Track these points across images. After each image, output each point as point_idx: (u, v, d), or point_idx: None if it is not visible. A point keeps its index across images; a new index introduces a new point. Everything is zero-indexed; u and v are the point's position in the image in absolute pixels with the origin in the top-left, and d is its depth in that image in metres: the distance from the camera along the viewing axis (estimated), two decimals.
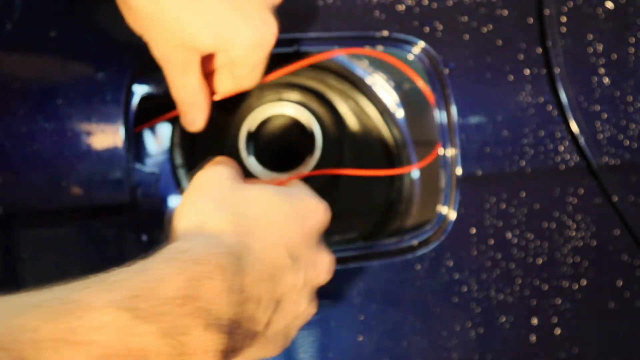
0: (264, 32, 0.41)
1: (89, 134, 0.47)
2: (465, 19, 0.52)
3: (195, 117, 0.46)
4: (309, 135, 0.57)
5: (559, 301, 0.51)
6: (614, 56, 0.52)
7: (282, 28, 0.47)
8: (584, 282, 0.51)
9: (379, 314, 0.49)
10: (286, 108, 0.58)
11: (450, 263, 0.50)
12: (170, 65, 0.43)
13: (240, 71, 0.43)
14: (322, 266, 0.38)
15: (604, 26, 0.52)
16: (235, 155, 0.57)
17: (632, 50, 0.52)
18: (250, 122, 0.57)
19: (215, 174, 0.37)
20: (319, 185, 0.60)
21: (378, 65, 0.57)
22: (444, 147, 0.52)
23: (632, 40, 0.52)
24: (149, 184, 0.51)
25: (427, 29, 0.51)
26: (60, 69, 0.48)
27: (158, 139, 0.56)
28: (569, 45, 0.52)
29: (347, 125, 0.60)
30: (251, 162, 0.56)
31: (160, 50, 0.42)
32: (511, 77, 0.51)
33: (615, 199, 0.51)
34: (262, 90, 0.59)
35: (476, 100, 0.51)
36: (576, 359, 0.51)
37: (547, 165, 0.51)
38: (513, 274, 0.51)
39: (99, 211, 0.47)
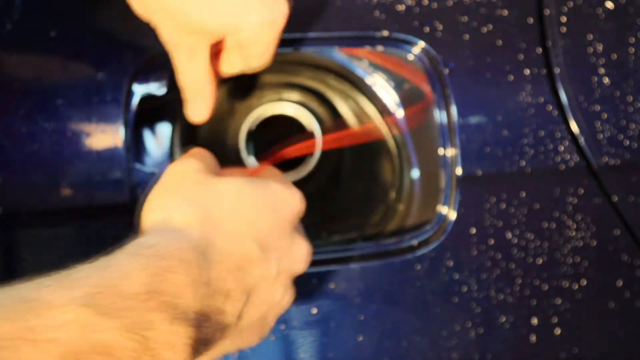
0: (274, 12, 0.40)
1: (89, 134, 0.47)
2: (465, 19, 0.52)
3: (200, 107, 0.45)
4: (309, 135, 0.57)
5: (559, 301, 0.51)
6: (614, 56, 0.52)
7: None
8: (584, 282, 0.51)
9: (379, 314, 0.49)
10: (286, 108, 0.58)
11: (450, 263, 0.50)
12: (178, 51, 0.42)
13: (250, 52, 0.43)
14: (297, 255, 0.38)
15: (604, 26, 0.52)
16: (235, 155, 0.57)
17: (632, 50, 0.52)
18: (250, 122, 0.57)
19: (183, 168, 0.37)
20: (319, 185, 0.60)
21: (378, 65, 0.57)
22: (444, 147, 0.52)
23: (632, 40, 0.52)
24: (149, 184, 0.51)
25: (427, 29, 0.51)
26: (60, 69, 0.48)
27: (158, 139, 0.56)
28: (569, 45, 0.52)
29: (347, 125, 0.60)
30: (251, 162, 0.56)
31: (167, 35, 0.41)
32: (511, 77, 0.51)
33: (615, 199, 0.51)
34: (262, 90, 0.59)
35: (476, 100, 0.51)
36: (576, 359, 0.51)
37: (547, 165, 0.51)
38: (513, 274, 0.51)
39: (99, 211, 0.47)
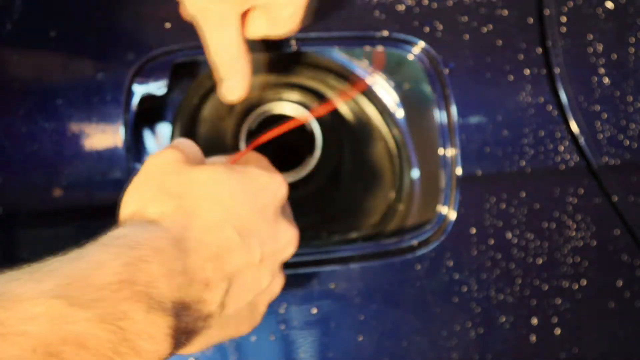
0: None
1: (89, 134, 0.47)
2: (465, 19, 0.52)
3: (235, 84, 0.43)
4: (309, 135, 0.57)
5: (559, 301, 0.51)
6: (614, 56, 0.52)
7: None
8: (584, 282, 0.51)
9: (379, 314, 0.49)
10: (286, 108, 0.58)
11: (450, 263, 0.50)
12: (206, 19, 0.40)
13: (279, 13, 0.41)
14: (283, 240, 0.38)
15: (604, 26, 0.52)
16: None
17: (632, 50, 0.52)
18: (250, 122, 0.57)
19: (161, 159, 0.36)
20: (319, 185, 0.60)
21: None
22: (444, 147, 0.52)
23: (632, 40, 0.52)
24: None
25: (427, 29, 0.51)
26: (60, 69, 0.48)
27: (158, 139, 0.56)
28: (569, 45, 0.52)
29: (347, 125, 0.60)
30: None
31: (195, 4, 0.40)
32: (511, 77, 0.51)
33: (615, 199, 0.51)
34: (262, 90, 0.59)
35: (476, 100, 0.51)
36: (576, 359, 0.51)
37: (547, 165, 0.51)
38: (513, 274, 0.51)
39: (99, 211, 0.47)
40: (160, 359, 0.29)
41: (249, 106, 0.59)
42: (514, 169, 0.51)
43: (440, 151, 0.52)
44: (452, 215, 0.51)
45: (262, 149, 0.58)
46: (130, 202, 0.34)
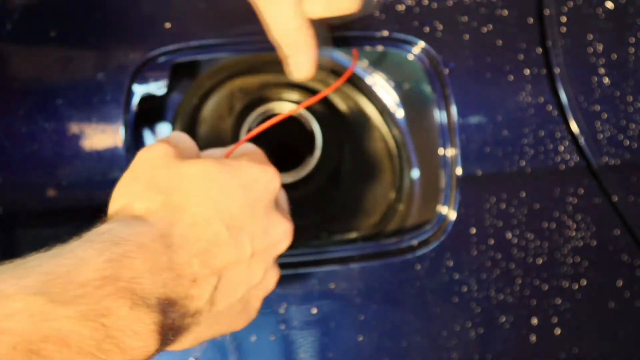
0: None
1: (89, 134, 0.47)
2: (465, 19, 0.52)
3: (301, 60, 0.41)
4: (309, 135, 0.58)
5: (559, 301, 0.51)
6: (614, 56, 0.52)
7: None
8: (584, 282, 0.51)
9: (379, 314, 0.49)
10: (286, 108, 0.58)
11: (450, 263, 0.50)
12: None
13: None
14: (275, 234, 0.37)
15: (604, 26, 0.52)
16: None
17: (632, 50, 0.52)
18: (250, 122, 0.57)
19: (151, 153, 0.36)
20: (319, 185, 0.60)
21: (378, 65, 0.57)
22: (444, 147, 0.52)
23: (632, 40, 0.52)
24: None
25: (427, 29, 0.51)
26: (60, 69, 0.48)
27: (158, 139, 0.56)
28: (569, 45, 0.52)
29: (347, 125, 0.60)
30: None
31: None
32: (511, 77, 0.51)
33: (615, 199, 0.51)
34: (262, 90, 0.59)
35: (476, 100, 0.51)
36: (576, 359, 0.51)
37: (547, 165, 0.51)
38: (513, 274, 0.51)
39: (99, 211, 0.47)
40: (147, 356, 0.28)
41: (249, 106, 0.59)
42: (514, 169, 0.51)
43: (440, 151, 0.52)
44: (452, 215, 0.51)
45: (262, 149, 0.58)
46: (118, 197, 0.34)
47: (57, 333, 0.25)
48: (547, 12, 0.52)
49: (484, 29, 0.52)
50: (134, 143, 0.50)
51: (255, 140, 0.57)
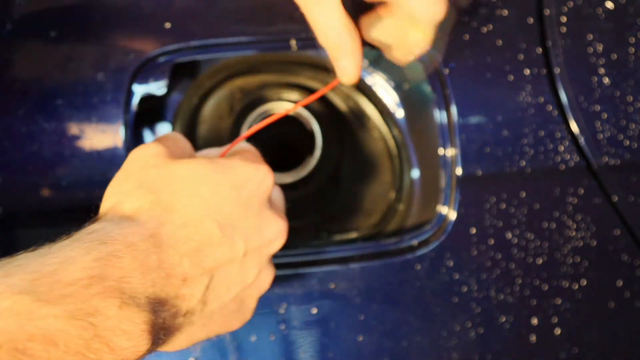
0: None
1: (89, 134, 0.47)
2: (465, 19, 0.52)
3: (347, 64, 0.41)
4: (309, 135, 0.58)
5: (559, 301, 0.51)
6: (614, 56, 0.52)
7: (281, 28, 0.47)
8: (584, 282, 0.51)
9: (379, 314, 0.49)
10: (286, 108, 0.58)
11: (450, 263, 0.50)
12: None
13: (409, 10, 0.38)
14: (269, 233, 0.37)
15: (604, 26, 0.52)
16: None
17: (632, 50, 0.52)
18: (250, 122, 0.57)
19: (143, 153, 0.36)
20: (319, 185, 0.60)
21: (378, 65, 0.57)
22: (444, 147, 0.52)
23: (632, 40, 0.52)
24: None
25: None
26: (60, 69, 0.48)
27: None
28: (569, 45, 0.52)
29: (347, 125, 0.60)
30: None
31: None
32: (511, 77, 0.51)
33: (615, 199, 0.51)
34: (262, 90, 0.59)
35: (476, 100, 0.51)
36: (576, 359, 0.51)
37: (547, 165, 0.51)
38: (513, 274, 0.51)
39: (98, 211, 0.47)
40: (138, 356, 0.28)
41: (249, 106, 0.59)
42: (514, 169, 0.51)
43: (440, 151, 0.52)
44: (452, 215, 0.51)
45: (262, 149, 0.58)
46: (109, 197, 0.34)
47: (44, 332, 0.25)
48: (547, 12, 0.52)
49: (484, 29, 0.52)
50: (134, 143, 0.50)
51: (255, 140, 0.57)
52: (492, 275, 0.51)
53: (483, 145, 0.51)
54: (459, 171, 0.51)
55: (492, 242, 0.51)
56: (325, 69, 0.57)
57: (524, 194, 0.51)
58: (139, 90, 0.49)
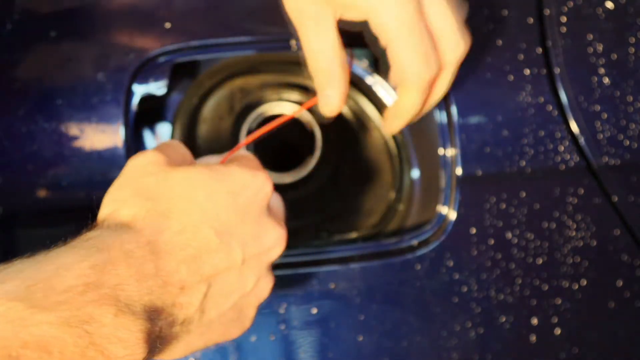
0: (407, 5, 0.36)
1: (89, 134, 0.47)
2: (465, 18, 0.52)
3: (331, 94, 0.41)
4: (309, 135, 0.57)
5: (559, 301, 0.51)
6: (614, 56, 0.52)
7: (281, 28, 0.47)
8: (584, 282, 0.51)
9: (379, 314, 0.49)
10: (286, 108, 0.58)
11: (450, 263, 0.50)
12: (302, 22, 0.39)
13: (388, 42, 0.37)
14: (267, 240, 0.37)
15: (604, 26, 0.52)
16: None
17: (632, 50, 0.52)
18: (250, 122, 0.57)
19: (141, 160, 0.36)
20: (319, 185, 0.60)
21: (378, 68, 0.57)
22: (444, 147, 0.52)
23: (632, 40, 0.52)
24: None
25: None
26: (60, 69, 0.48)
27: (158, 139, 0.56)
28: (569, 45, 0.52)
29: (347, 125, 0.60)
30: None
31: (291, 4, 0.39)
32: (511, 77, 0.51)
33: (615, 199, 0.51)
34: (262, 90, 0.59)
35: (476, 100, 0.51)
36: (576, 359, 0.51)
37: (547, 165, 0.51)
38: (513, 274, 0.51)
39: (98, 211, 0.47)
40: None
41: (249, 106, 0.59)
42: (514, 169, 0.51)
43: (440, 151, 0.52)
44: (452, 215, 0.51)
45: (262, 149, 0.58)
46: (107, 204, 0.34)
47: (38, 339, 0.24)
48: (547, 12, 0.52)
49: (484, 29, 0.52)
50: (134, 143, 0.50)
51: (255, 140, 0.57)
52: (492, 275, 0.51)
53: (483, 145, 0.51)
54: (459, 171, 0.51)
55: (492, 242, 0.51)
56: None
57: (524, 194, 0.51)
58: (139, 90, 0.49)
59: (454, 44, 0.39)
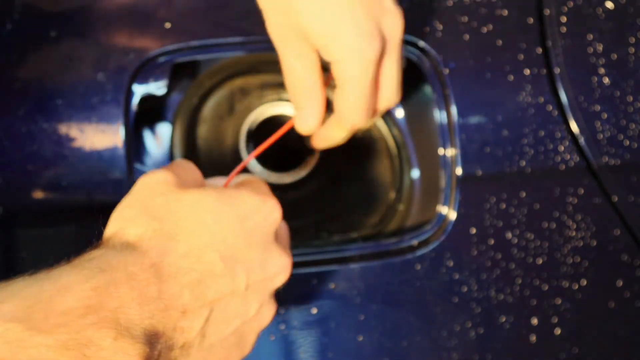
0: (366, 43, 0.38)
1: (89, 134, 0.47)
2: (465, 19, 0.52)
3: (309, 114, 0.42)
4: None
5: (559, 301, 0.51)
6: (614, 56, 0.52)
7: None
8: (584, 282, 0.51)
9: (379, 314, 0.49)
10: (286, 108, 0.58)
11: (450, 263, 0.50)
12: (285, 49, 0.40)
13: (339, 85, 0.40)
14: (272, 267, 0.36)
15: (604, 26, 0.52)
16: (235, 155, 0.57)
17: (632, 50, 0.52)
18: (250, 122, 0.57)
19: (151, 180, 0.35)
20: (319, 185, 0.60)
21: None
22: (444, 147, 0.52)
23: (632, 40, 0.52)
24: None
25: (427, 29, 0.51)
26: (60, 69, 0.48)
27: (158, 139, 0.56)
28: (569, 45, 0.52)
29: None
30: (251, 162, 0.56)
31: (276, 31, 0.40)
32: (511, 77, 0.51)
33: (615, 199, 0.51)
34: (262, 90, 0.59)
35: (476, 100, 0.51)
36: (576, 359, 0.51)
37: (547, 165, 0.51)
38: (513, 274, 0.51)
39: (99, 211, 0.47)
40: None
41: (249, 106, 0.59)
42: (514, 169, 0.51)
43: (440, 151, 0.52)
44: (452, 215, 0.51)
45: (263, 149, 0.58)
46: (113, 221, 0.33)
47: None
48: (547, 12, 0.52)
49: (484, 29, 0.52)
50: (134, 143, 0.50)
51: (255, 140, 0.57)
52: (492, 275, 0.51)
53: (483, 145, 0.51)
54: (459, 171, 0.51)
55: (492, 242, 0.51)
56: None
57: (524, 194, 0.51)
58: (139, 90, 0.49)
59: (391, 100, 0.43)
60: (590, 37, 0.52)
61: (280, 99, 0.59)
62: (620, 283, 0.52)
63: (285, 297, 0.49)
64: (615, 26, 0.52)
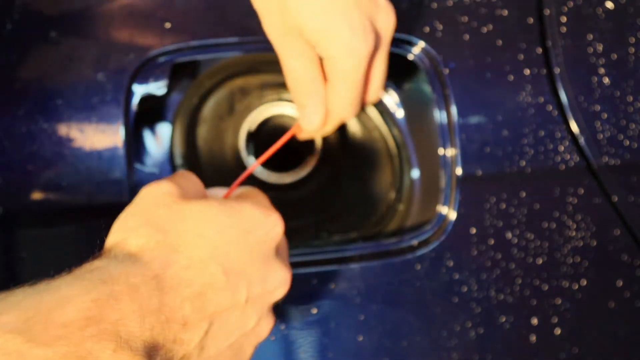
0: (360, 40, 0.39)
1: (89, 134, 0.47)
2: (465, 19, 0.52)
3: (311, 111, 0.43)
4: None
5: (559, 301, 0.51)
6: (614, 56, 0.52)
7: None
8: (584, 282, 0.51)
9: (379, 314, 0.49)
10: (286, 108, 0.58)
11: (450, 263, 0.50)
12: (284, 49, 0.41)
13: (331, 80, 0.41)
14: (272, 282, 0.36)
15: (604, 26, 0.52)
16: (235, 155, 0.57)
17: (632, 50, 0.52)
18: (250, 122, 0.57)
19: (154, 190, 0.35)
20: (319, 185, 0.60)
21: None
22: (444, 147, 0.52)
23: (632, 40, 0.52)
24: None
25: (427, 29, 0.51)
26: (60, 69, 0.48)
27: (158, 139, 0.56)
28: (569, 45, 0.52)
29: (347, 125, 0.60)
30: (251, 162, 0.56)
31: (274, 31, 0.40)
32: (511, 77, 0.51)
33: (615, 199, 0.51)
34: (262, 90, 0.59)
35: (476, 100, 0.51)
36: (576, 359, 0.51)
37: (547, 165, 0.51)
38: (513, 274, 0.51)
39: (99, 211, 0.47)
40: None
41: (249, 106, 0.59)
42: (514, 169, 0.51)
43: (440, 151, 0.52)
44: (452, 215, 0.51)
45: (262, 149, 0.58)
46: (115, 232, 0.33)
47: None
48: (547, 12, 0.52)
49: (484, 29, 0.52)
50: (134, 143, 0.50)
51: (255, 140, 0.57)
52: (492, 275, 0.51)
53: (483, 145, 0.51)
54: (459, 171, 0.51)
55: (492, 242, 0.51)
56: None
57: (524, 194, 0.51)
58: (139, 90, 0.49)
59: (378, 93, 0.45)
60: (590, 37, 0.52)
61: (280, 99, 0.59)
62: (620, 283, 0.52)
63: (285, 297, 0.49)
64: (615, 26, 0.52)
